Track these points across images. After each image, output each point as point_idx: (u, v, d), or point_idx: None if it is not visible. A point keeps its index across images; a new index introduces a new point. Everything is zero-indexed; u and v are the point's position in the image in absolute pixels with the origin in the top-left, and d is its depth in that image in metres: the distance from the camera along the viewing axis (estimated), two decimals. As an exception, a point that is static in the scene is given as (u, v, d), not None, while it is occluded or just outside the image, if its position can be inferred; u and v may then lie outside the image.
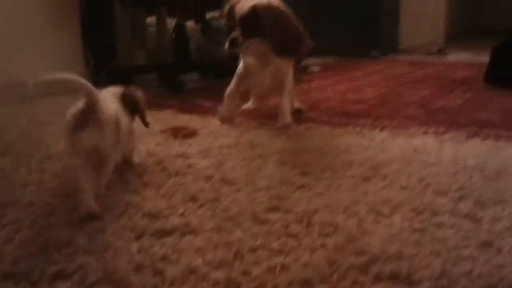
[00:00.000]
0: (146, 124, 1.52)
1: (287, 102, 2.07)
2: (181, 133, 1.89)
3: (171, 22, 4.33)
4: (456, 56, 4.47)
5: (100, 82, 3.13)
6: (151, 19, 4.25)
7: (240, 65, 2.11)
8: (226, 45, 1.91)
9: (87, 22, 3.27)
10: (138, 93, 1.54)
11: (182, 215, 1.20)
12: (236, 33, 1.87)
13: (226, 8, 1.96)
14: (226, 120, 2.09)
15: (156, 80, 3.48)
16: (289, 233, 1.09)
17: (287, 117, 2.04)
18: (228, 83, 2.14)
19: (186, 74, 3.33)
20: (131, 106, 1.48)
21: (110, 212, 1.21)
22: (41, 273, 0.95)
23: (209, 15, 3.65)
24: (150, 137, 1.84)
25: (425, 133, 1.85)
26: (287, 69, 2.05)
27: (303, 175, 1.45)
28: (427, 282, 0.88)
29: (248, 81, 2.11)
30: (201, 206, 1.25)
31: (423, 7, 5.15)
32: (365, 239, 1.04)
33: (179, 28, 3.34)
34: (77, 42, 3.17)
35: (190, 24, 3.66)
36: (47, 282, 0.92)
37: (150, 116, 1.66)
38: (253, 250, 1.02)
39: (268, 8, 1.85)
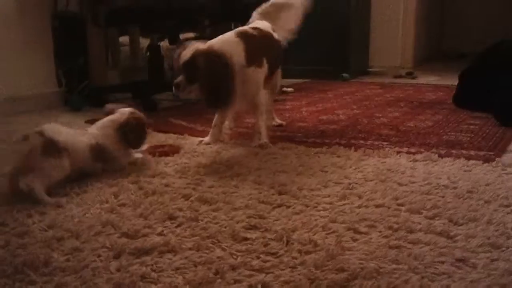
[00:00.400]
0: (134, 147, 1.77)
1: (262, 122, 2.09)
2: (158, 152, 1.90)
3: (144, 42, 4.34)
4: (424, 79, 4.59)
5: (73, 101, 3.11)
6: (124, 39, 4.25)
7: None
8: (173, 89, 1.91)
9: (59, 41, 3.25)
10: (135, 122, 1.73)
11: (160, 234, 1.19)
12: (179, 79, 1.87)
13: (177, 53, 1.94)
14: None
15: (129, 99, 3.46)
16: (268, 251, 1.09)
17: (263, 137, 2.06)
18: (200, 103, 2.14)
19: (160, 94, 3.33)
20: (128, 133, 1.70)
21: (87, 231, 1.20)
22: (18, 293, 0.93)
23: (183, 35, 3.67)
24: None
25: (398, 153, 1.89)
26: (259, 90, 2.07)
27: (280, 194, 1.46)
28: (406, 298, 0.90)
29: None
30: (179, 225, 1.25)
31: (392, 32, 5.30)
32: (344, 256, 1.06)
33: (154, 48, 3.35)
34: (49, 62, 3.15)
35: (164, 44, 3.67)
36: (24, 302, 0.91)
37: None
38: (234, 268, 1.02)
39: (206, 56, 1.84)
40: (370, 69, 5.24)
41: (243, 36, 2.00)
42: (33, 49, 3.04)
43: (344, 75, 4.56)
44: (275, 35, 2.20)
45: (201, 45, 1.87)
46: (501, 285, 0.94)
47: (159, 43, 3.53)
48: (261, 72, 2.05)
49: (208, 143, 2.10)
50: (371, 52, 5.27)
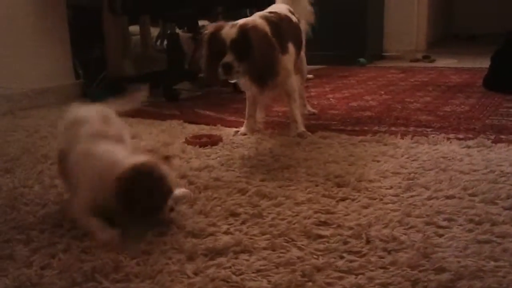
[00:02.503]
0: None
1: (296, 110, 2.00)
2: (199, 142, 1.84)
3: (153, 31, 4.24)
4: (442, 62, 4.50)
5: (91, 93, 3.02)
6: (133, 28, 4.15)
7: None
8: (220, 71, 1.70)
9: (75, 32, 3.16)
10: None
11: (227, 232, 1.12)
12: (229, 58, 1.68)
13: (207, 34, 1.76)
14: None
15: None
16: (350, 250, 1.02)
17: (300, 126, 1.98)
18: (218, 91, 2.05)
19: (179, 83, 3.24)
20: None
21: (149, 231, 1.12)
22: (95, 303, 0.86)
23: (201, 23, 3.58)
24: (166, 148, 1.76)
25: (448, 139, 1.81)
26: (289, 77, 1.96)
27: (339, 186, 1.38)
28: (521, 299, 0.83)
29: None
30: (244, 222, 1.17)
31: (406, 16, 5.19)
32: (437, 254, 0.98)
33: (173, 37, 3.25)
34: (66, 53, 3.05)
35: (182, 32, 3.58)
36: (105, 313, 0.83)
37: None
38: (319, 270, 0.95)
39: (255, 30, 1.71)
40: (385, 54, 5.14)
41: (267, 20, 1.84)
42: (50, 41, 2.94)
43: (361, 60, 4.47)
44: (293, 18, 2.09)
45: (242, 22, 1.74)
46: None
47: (177, 31, 3.43)
48: (288, 59, 1.94)
49: (244, 134, 2.02)
50: (386, 37, 5.17)
